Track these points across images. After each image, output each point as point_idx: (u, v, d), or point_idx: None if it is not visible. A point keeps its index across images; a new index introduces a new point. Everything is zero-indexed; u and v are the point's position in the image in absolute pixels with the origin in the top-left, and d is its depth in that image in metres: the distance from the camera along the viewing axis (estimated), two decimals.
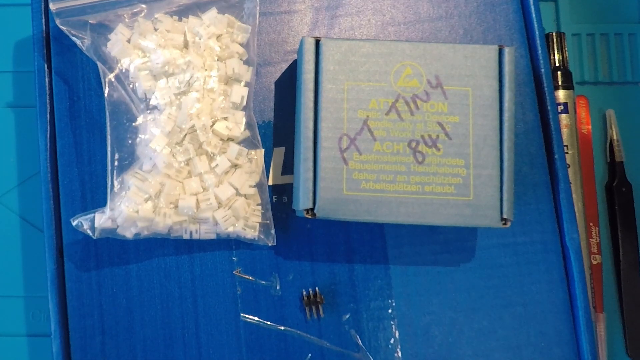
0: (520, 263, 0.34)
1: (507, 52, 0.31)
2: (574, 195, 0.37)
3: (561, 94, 0.39)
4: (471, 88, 0.31)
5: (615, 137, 0.41)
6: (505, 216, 0.30)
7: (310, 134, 0.30)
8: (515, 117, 0.34)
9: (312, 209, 0.30)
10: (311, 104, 0.31)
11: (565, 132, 0.39)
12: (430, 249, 0.34)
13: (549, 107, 0.35)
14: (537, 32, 0.36)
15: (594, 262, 0.39)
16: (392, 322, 0.34)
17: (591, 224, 0.40)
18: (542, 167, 0.35)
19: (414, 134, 0.30)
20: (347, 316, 0.34)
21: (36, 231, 0.39)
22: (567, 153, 0.39)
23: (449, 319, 0.34)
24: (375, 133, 0.30)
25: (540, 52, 0.36)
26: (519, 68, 0.36)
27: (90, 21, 0.33)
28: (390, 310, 0.34)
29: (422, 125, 0.30)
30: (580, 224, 0.38)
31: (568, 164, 0.38)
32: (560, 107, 0.39)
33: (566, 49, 0.40)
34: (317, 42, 0.31)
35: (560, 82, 0.39)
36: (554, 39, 0.40)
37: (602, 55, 0.42)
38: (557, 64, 0.40)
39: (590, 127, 0.41)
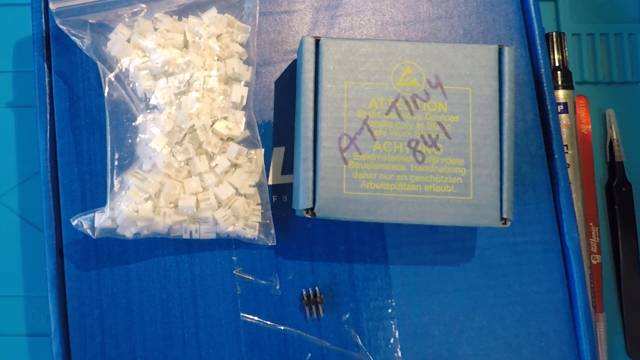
0: (520, 263, 0.34)
1: (507, 51, 0.31)
2: (573, 195, 0.37)
3: (561, 94, 0.39)
4: (471, 88, 0.31)
5: (615, 137, 0.41)
6: (505, 216, 0.30)
7: (310, 134, 0.30)
8: (515, 117, 0.34)
9: (312, 209, 0.30)
10: (311, 104, 0.31)
11: (565, 132, 0.39)
12: (430, 248, 0.34)
13: (548, 107, 0.35)
14: (536, 32, 0.36)
15: (594, 262, 0.39)
16: (391, 322, 0.34)
17: (591, 224, 0.40)
18: (542, 166, 0.35)
19: (414, 133, 0.30)
20: (347, 316, 0.34)
21: (36, 231, 0.39)
22: (567, 153, 0.39)
23: (449, 318, 0.34)
24: (375, 133, 0.30)
25: (540, 52, 0.36)
26: (518, 68, 0.36)
27: (90, 21, 0.33)
28: (390, 310, 0.34)
29: (422, 124, 0.30)
30: (580, 224, 0.38)
31: (568, 164, 0.38)
32: (560, 107, 0.39)
33: (566, 48, 0.40)
34: (317, 42, 0.31)
35: (560, 82, 0.39)
36: (554, 39, 0.40)
37: (602, 55, 0.42)
38: (557, 64, 0.40)
39: (590, 127, 0.41)
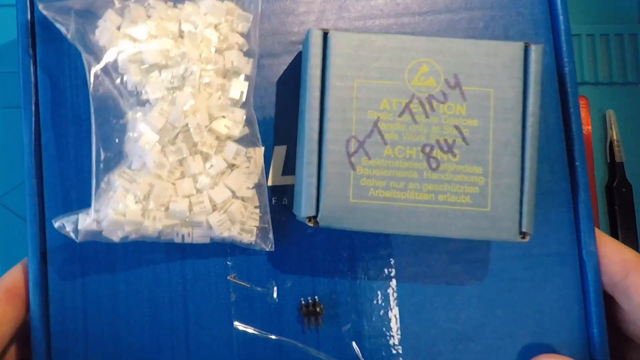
0: (535, 276, 0.32)
1: (534, 50, 0.28)
2: None
3: None
4: (493, 89, 0.28)
5: (615, 138, 0.41)
6: (524, 229, 0.27)
7: (315, 136, 0.28)
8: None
9: (315, 217, 0.27)
10: (317, 103, 0.28)
11: None
12: (438, 259, 0.32)
13: (571, 111, 0.33)
14: (562, 29, 0.33)
15: None
16: (395, 336, 0.32)
17: None
18: (563, 174, 0.33)
19: (429, 138, 0.28)
20: (348, 328, 0.32)
21: None
22: None
23: (456, 333, 0.32)
24: (386, 136, 0.28)
25: (565, 50, 0.33)
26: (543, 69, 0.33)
27: (75, 7, 0.30)
28: (393, 323, 0.32)
29: (438, 128, 0.28)
30: None
31: None
32: None
33: None
34: (325, 35, 0.28)
35: None
36: None
37: (602, 55, 0.42)
38: None
39: (590, 127, 0.41)
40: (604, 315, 0.31)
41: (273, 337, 0.31)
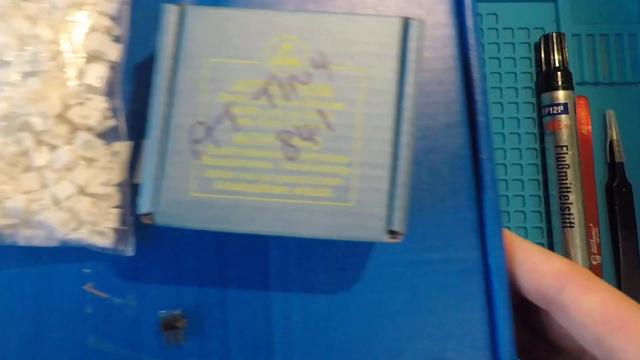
0: (432, 286, 0.28)
1: (414, 25, 0.25)
2: (573, 196, 0.38)
3: (561, 95, 0.40)
4: (365, 69, 0.25)
5: (615, 138, 0.41)
6: (395, 228, 0.24)
7: (160, 122, 0.24)
8: (438, 110, 0.28)
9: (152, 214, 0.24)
10: (165, 85, 0.25)
11: (565, 132, 0.39)
12: (321, 266, 0.28)
13: (477, 98, 0.29)
14: (470, 12, 0.30)
15: (594, 263, 0.39)
16: (269, 354, 0.28)
17: (591, 225, 0.40)
18: (466, 169, 0.29)
19: (287, 123, 0.24)
20: (214, 345, 0.28)
21: None
22: (567, 154, 0.39)
23: (339, 351, 0.28)
24: (240, 122, 0.24)
25: (471, 29, 0.29)
26: (445, 52, 0.30)
27: None
28: (267, 340, 0.28)
29: (299, 113, 0.24)
30: (581, 224, 0.38)
31: (568, 165, 0.39)
32: (560, 108, 0.39)
33: (566, 49, 0.40)
34: (183, 11, 0.25)
35: (560, 83, 0.40)
36: (554, 40, 0.40)
37: (602, 55, 0.43)
38: (557, 65, 0.40)
39: (590, 127, 0.42)
40: (513, 329, 0.27)
41: (131, 354, 0.28)
